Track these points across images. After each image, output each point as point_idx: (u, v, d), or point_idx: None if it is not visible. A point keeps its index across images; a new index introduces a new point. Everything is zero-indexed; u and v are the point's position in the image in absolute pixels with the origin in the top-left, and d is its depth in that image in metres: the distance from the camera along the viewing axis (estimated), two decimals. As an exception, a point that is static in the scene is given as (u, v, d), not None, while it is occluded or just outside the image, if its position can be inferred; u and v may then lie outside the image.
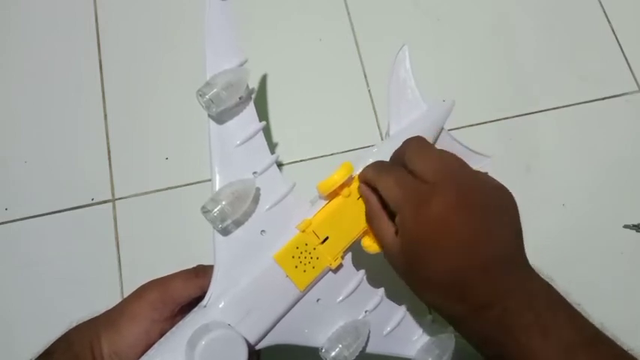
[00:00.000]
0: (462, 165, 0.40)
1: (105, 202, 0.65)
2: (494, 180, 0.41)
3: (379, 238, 0.42)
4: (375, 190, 0.43)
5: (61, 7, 0.74)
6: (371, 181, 0.43)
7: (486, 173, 0.41)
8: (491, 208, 0.39)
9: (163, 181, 0.66)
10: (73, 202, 0.65)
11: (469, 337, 0.40)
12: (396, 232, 0.40)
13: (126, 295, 0.45)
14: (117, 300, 0.45)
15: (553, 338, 0.36)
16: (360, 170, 0.46)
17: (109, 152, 0.68)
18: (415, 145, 0.42)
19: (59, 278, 0.62)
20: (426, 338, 0.49)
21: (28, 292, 0.62)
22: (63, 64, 0.71)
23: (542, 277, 0.39)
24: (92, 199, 0.65)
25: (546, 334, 0.36)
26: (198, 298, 0.43)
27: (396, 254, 0.40)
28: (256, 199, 0.44)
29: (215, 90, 0.41)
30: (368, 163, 0.47)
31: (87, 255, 0.63)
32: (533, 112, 0.72)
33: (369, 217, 0.43)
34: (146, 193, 0.66)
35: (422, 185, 0.38)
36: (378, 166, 0.44)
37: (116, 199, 0.66)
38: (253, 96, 0.45)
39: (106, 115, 0.69)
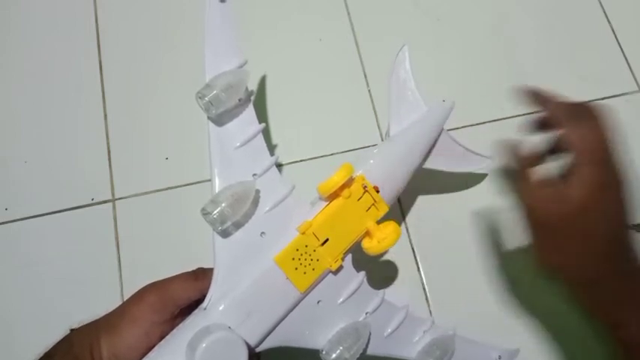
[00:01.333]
0: None
1: (105, 202, 0.65)
2: None
3: (531, 194, 0.42)
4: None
5: (61, 7, 0.74)
6: (560, 123, 0.43)
7: None
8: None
9: (163, 181, 0.66)
10: (73, 202, 0.65)
11: (604, 298, 0.42)
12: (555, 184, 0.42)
13: (126, 296, 0.45)
14: (117, 301, 0.45)
15: None
16: (359, 172, 0.46)
17: (109, 152, 0.68)
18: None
19: (59, 278, 0.62)
20: (427, 339, 0.49)
21: (28, 292, 0.62)
22: (63, 64, 0.71)
23: None
24: (92, 199, 0.65)
25: None
26: (198, 301, 0.43)
27: (566, 204, 0.40)
28: (256, 201, 0.44)
29: (214, 92, 0.41)
30: (369, 164, 0.47)
31: (87, 255, 0.63)
32: (533, 112, 0.72)
33: (520, 179, 0.43)
34: (146, 193, 0.66)
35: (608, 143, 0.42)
36: (570, 110, 0.44)
37: (116, 199, 0.66)
38: (252, 98, 0.46)
39: (106, 115, 0.69)
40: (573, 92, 0.73)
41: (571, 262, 0.42)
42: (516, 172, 0.44)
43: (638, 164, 0.70)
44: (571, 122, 0.42)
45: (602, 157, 0.41)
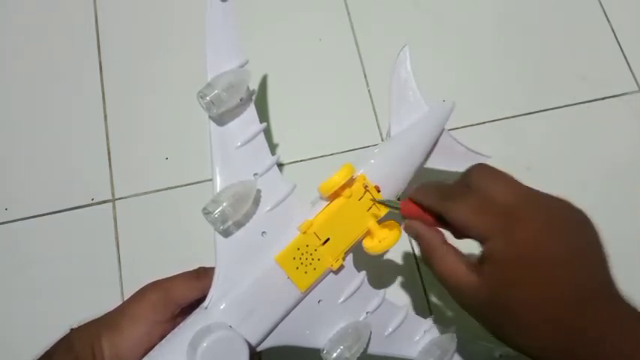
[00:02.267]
0: (534, 189, 0.38)
1: (105, 202, 0.65)
2: (570, 203, 0.38)
3: (446, 277, 0.39)
4: (425, 220, 0.40)
5: (61, 7, 0.74)
6: (435, 208, 0.39)
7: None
8: (578, 232, 0.36)
9: (163, 181, 0.66)
10: (73, 202, 0.65)
11: None
12: (472, 268, 0.37)
13: (126, 295, 0.45)
14: (117, 300, 0.45)
15: None
16: (360, 172, 0.46)
17: (109, 152, 0.68)
18: (485, 169, 0.40)
19: (59, 278, 0.62)
20: (427, 339, 0.49)
21: (28, 292, 0.62)
22: (63, 64, 0.71)
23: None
24: (92, 199, 0.65)
25: None
26: (200, 300, 0.43)
27: (475, 293, 0.37)
28: (257, 201, 0.44)
29: (216, 91, 0.41)
30: (369, 164, 0.47)
31: (87, 255, 0.63)
32: (533, 112, 0.72)
33: (430, 257, 0.40)
34: (146, 193, 0.66)
35: (504, 208, 0.36)
36: (440, 191, 0.40)
37: (116, 199, 0.66)
38: (254, 97, 0.45)
39: (106, 116, 0.69)
40: (573, 92, 0.74)
41: (526, 342, 0.36)
42: (435, 249, 0.40)
43: (638, 164, 0.71)
44: (446, 205, 0.39)
45: (497, 222, 0.36)
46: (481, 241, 0.36)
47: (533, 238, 0.35)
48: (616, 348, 0.33)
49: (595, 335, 0.33)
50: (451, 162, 0.56)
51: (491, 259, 0.36)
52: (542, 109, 0.73)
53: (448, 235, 0.41)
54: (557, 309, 0.34)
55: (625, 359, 0.32)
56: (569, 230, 0.36)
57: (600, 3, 0.78)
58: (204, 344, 0.37)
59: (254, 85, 0.70)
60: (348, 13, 0.76)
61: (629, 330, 0.33)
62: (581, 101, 0.73)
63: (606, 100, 0.73)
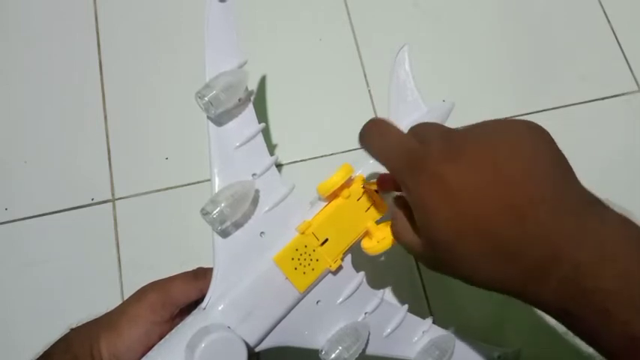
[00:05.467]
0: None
1: (105, 202, 0.65)
2: (494, 121, 0.35)
3: (398, 237, 0.40)
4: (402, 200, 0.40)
5: (60, 7, 0.74)
6: (365, 147, 0.39)
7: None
8: (506, 146, 0.32)
9: (163, 181, 0.66)
10: (73, 202, 0.65)
11: (547, 312, 0.31)
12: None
13: (126, 295, 0.45)
14: (117, 300, 0.45)
15: None
16: (359, 172, 0.46)
17: (109, 152, 0.68)
18: (419, 126, 0.37)
19: (59, 278, 0.62)
20: (426, 339, 0.49)
21: (28, 292, 0.62)
22: (63, 64, 0.71)
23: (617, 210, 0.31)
24: (92, 199, 0.65)
25: None
26: (198, 301, 0.43)
27: (416, 244, 0.37)
28: (255, 201, 0.43)
29: (214, 92, 0.41)
30: (368, 164, 0.47)
31: (87, 255, 0.63)
32: (533, 112, 0.72)
33: (396, 233, 0.41)
34: (146, 193, 0.66)
35: (417, 146, 0.34)
36: (371, 129, 0.39)
37: (116, 199, 0.66)
38: (252, 98, 0.45)
39: (106, 116, 0.69)
40: (573, 92, 0.73)
41: (480, 278, 0.33)
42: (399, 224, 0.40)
43: (638, 164, 0.70)
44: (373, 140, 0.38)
45: (407, 160, 0.34)
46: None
47: (434, 173, 0.32)
48: (599, 283, 0.28)
49: (564, 266, 0.29)
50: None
51: (412, 206, 0.35)
52: (542, 108, 0.72)
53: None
54: (478, 239, 0.31)
55: (611, 301, 0.28)
56: (490, 149, 0.32)
57: (600, 3, 0.78)
58: (203, 345, 0.37)
59: (253, 86, 0.70)
60: (348, 13, 0.75)
61: (611, 255, 0.29)
62: (581, 101, 0.73)
63: (606, 100, 0.73)
